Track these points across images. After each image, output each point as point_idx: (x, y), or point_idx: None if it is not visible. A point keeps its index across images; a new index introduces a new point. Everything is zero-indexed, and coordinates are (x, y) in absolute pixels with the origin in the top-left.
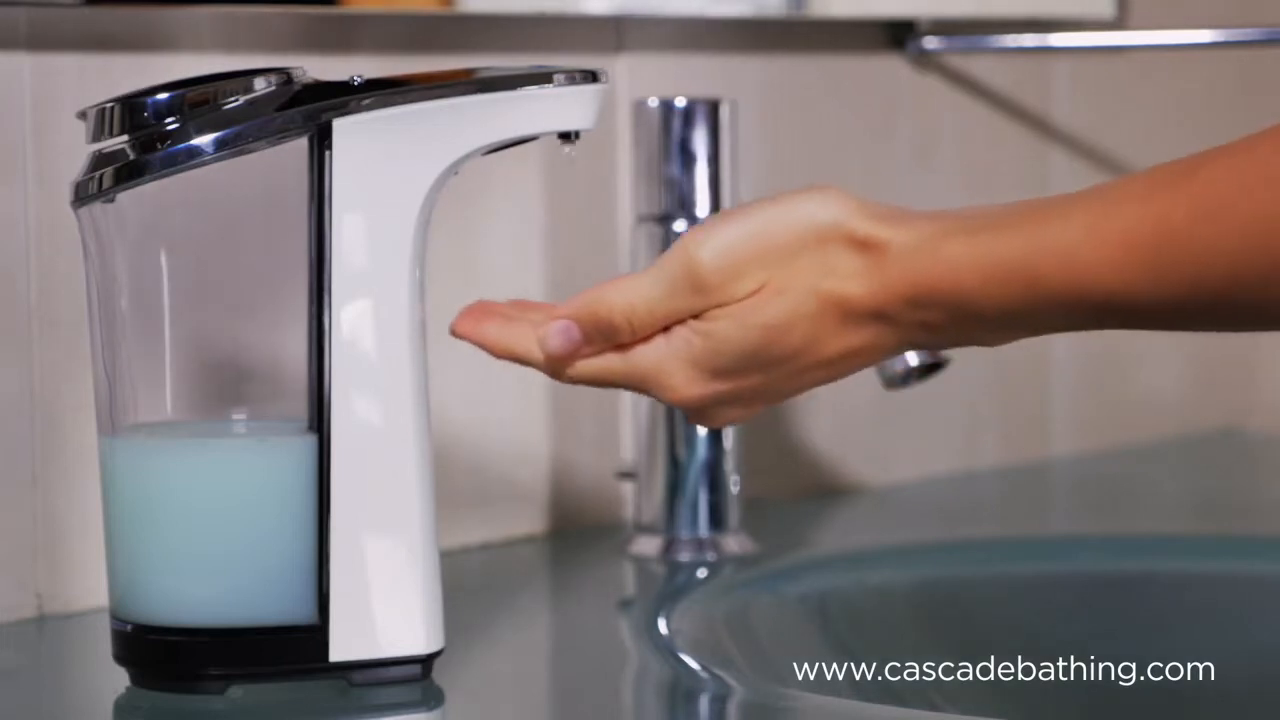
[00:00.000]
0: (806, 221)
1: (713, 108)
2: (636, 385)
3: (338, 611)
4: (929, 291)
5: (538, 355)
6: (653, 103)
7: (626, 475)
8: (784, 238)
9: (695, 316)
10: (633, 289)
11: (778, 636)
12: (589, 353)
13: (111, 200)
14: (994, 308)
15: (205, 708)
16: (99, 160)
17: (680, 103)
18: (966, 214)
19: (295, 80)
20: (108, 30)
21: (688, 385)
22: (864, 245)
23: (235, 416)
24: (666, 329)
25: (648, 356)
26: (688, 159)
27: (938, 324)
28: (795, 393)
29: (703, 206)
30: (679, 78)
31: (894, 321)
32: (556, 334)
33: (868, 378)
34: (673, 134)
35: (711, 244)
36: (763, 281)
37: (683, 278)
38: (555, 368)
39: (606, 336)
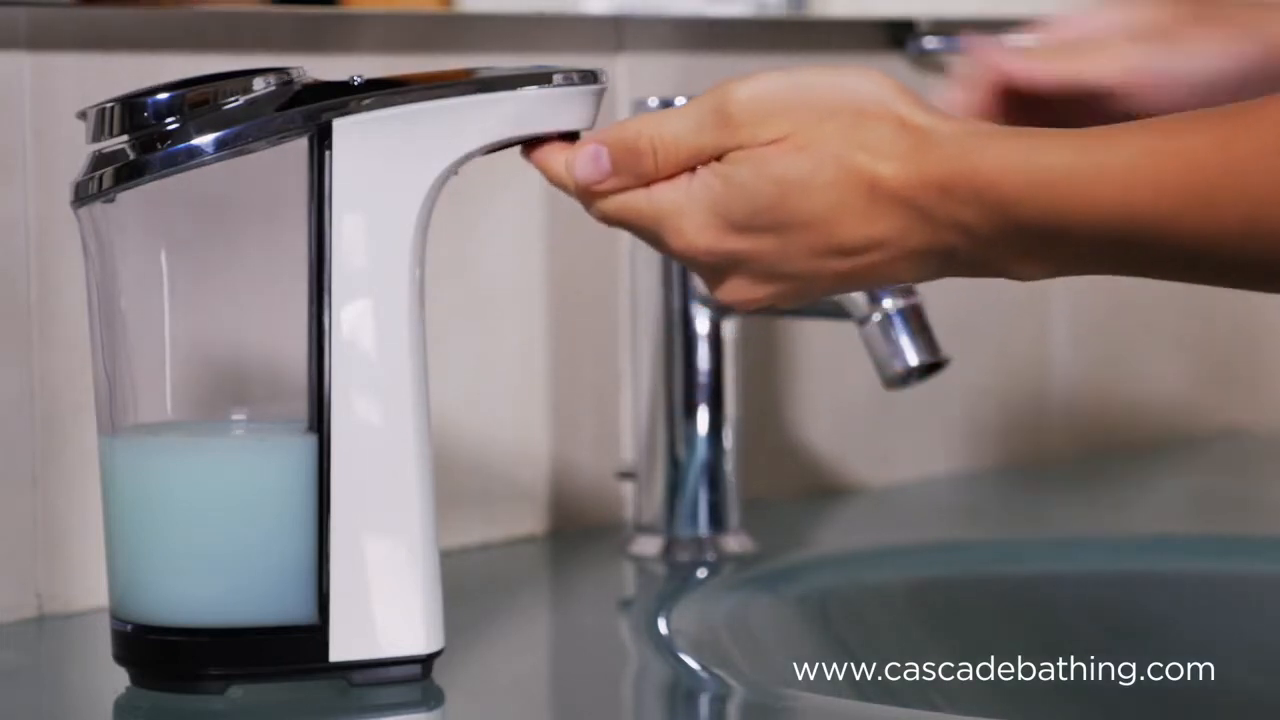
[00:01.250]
0: (850, 90)
1: None
2: (653, 228)
3: (338, 611)
4: (968, 184)
5: (569, 181)
6: (653, 103)
7: (626, 475)
8: (822, 99)
9: (718, 159)
10: (663, 117)
11: (778, 636)
12: (615, 184)
13: (111, 200)
14: (1034, 217)
15: (205, 708)
16: (99, 160)
17: (680, 103)
18: (1016, 127)
19: (295, 80)
20: (108, 30)
21: (699, 231)
22: (906, 126)
23: (235, 416)
24: (692, 170)
25: (669, 194)
26: None
27: (973, 225)
28: (810, 281)
29: None
30: (679, 78)
31: (926, 214)
32: (586, 160)
33: (868, 378)
34: None
35: (749, 85)
36: (786, 132)
37: (711, 110)
38: (584, 196)
39: (633, 168)
